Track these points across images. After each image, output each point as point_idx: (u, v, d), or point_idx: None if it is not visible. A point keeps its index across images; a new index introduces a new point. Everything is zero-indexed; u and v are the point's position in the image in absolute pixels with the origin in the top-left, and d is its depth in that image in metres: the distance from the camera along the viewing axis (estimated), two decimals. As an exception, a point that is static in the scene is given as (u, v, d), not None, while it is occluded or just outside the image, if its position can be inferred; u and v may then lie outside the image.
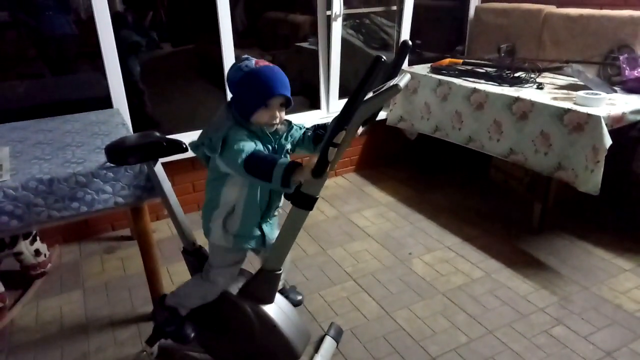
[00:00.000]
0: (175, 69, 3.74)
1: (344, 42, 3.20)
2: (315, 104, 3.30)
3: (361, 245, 2.51)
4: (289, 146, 1.40)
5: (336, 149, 1.11)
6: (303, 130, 1.45)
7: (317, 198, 1.33)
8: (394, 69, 1.21)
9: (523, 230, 2.56)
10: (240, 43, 3.96)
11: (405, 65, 3.33)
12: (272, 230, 1.49)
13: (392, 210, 2.87)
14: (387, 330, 1.90)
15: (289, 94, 1.29)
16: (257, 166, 1.21)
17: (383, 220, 2.75)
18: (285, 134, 1.37)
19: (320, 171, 1.13)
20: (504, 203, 2.88)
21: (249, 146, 1.24)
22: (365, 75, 1.03)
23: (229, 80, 1.31)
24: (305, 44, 3.79)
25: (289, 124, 1.39)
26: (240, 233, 1.42)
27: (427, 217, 2.76)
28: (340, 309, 2.03)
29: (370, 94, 1.13)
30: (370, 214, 2.82)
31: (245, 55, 1.32)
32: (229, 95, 1.36)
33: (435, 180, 3.24)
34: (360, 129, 1.35)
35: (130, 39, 2.90)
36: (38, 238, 2.26)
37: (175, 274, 2.28)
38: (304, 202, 1.32)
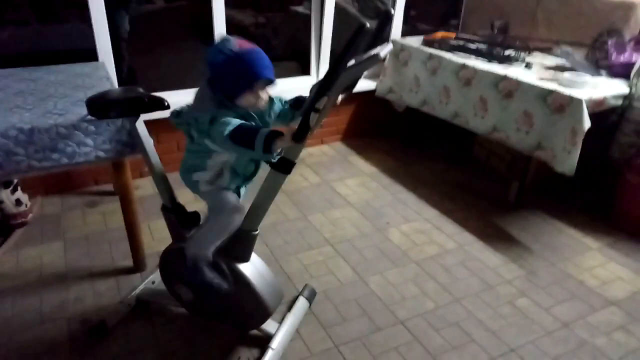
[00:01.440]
0: (167, 26, 3.67)
1: (339, 9, 3.15)
2: (306, 70, 3.28)
3: (341, 212, 2.56)
4: (271, 121, 1.44)
5: (317, 114, 1.12)
6: (282, 102, 1.48)
7: (294, 163, 1.35)
8: (376, 39, 1.22)
9: (500, 207, 2.63)
10: (234, 3, 3.89)
11: (398, 37, 3.31)
12: (246, 193, 1.55)
13: (374, 180, 2.91)
14: (359, 294, 1.97)
15: (273, 77, 1.29)
16: (242, 136, 1.23)
17: (365, 190, 2.79)
18: (267, 110, 1.41)
19: (301, 136, 1.15)
20: (484, 179, 2.93)
21: (235, 121, 1.26)
22: (349, 42, 1.04)
23: (211, 62, 1.28)
24: (300, 8, 3.73)
25: (270, 99, 1.42)
26: (226, 187, 1.47)
27: (408, 188, 2.81)
28: (315, 272, 2.09)
29: (352, 62, 1.14)
30: (353, 183, 2.86)
31: (226, 36, 1.30)
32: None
33: (420, 153, 3.27)
34: (340, 97, 1.37)
35: None
36: (19, 188, 2.27)
37: (155, 231, 2.31)
38: (283, 166, 1.35)
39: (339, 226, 2.43)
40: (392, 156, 3.22)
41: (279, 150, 1.24)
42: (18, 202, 2.25)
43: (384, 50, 1.12)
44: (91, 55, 2.47)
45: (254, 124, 1.36)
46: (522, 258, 2.22)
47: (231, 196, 1.49)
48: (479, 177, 2.97)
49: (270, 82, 1.31)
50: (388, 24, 1.25)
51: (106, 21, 2.41)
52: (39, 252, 2.17)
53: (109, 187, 2.70)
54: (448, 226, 2.46)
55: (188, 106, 1.38)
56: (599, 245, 2.32)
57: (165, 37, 3.59)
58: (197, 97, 1.33)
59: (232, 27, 3.45)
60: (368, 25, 1.02)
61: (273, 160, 1.31)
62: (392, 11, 1.26)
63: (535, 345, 1.73)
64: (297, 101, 1.46)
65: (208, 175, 1.44)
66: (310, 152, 3.25)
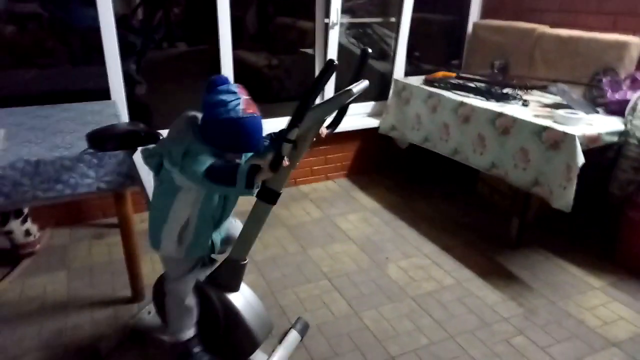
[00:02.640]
0: (189, 67, 3.87)
1: (344, 49, 3.28)
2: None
3: (341, 247, 2.57)
4: (242, 161, 1.45)
5: (290, 144, 1.17)
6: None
7: (280, 193, 1.40)
8: (356, 75, 1.28)
9: (501, 244, 2.61)
10: (250, 46, 4.08)
11: (400, 76, 3.41)
12: (219, 237, 1.55)
13: (376, 215, 2.93)
14: (352, 328, 1.96)
15: (260, 147, 1.37)
16: (219, 174, 1.24)
17: (366, 225, 2.81)
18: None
19: (276, 164, 1.18)
20: (486, 216, 2.92)
21: (210, 159, 1.27)
22: (318, 76, 1.10)
23: (210, 105, 1.26)
24: (309, 50, 3.89)
25: None
26: (193, 243, 1.46)
27: (409, 224, 2.82)
28: (310, 305, 2.09)
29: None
30: (355, 218, 2.89)
31: (229, 83, 1.28)
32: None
33: (423, 189, 3.29)
34: (326, 131, 1.44)
35: (126, 40, 3.02)
36: (29, 219, 2.36)
37: (157, 262, 2.35)
38: (268, 196, 1.40)
39: (337, 260, 2.45)
40: (394, 192, 3.25)
41: (259, 183, 1.28)
42: (27, 233, 2.34)
43: (357, 86, 1.18)
44: (105, 94, 2.61)
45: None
46: (522, 296, 2.18)
47: (185, 280, 1.52)
48: (481, 214, 2.96)
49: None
50: (367, 61, 1.32)
51: (119, 63, 2.57)
52: (44, 282, 2.23)
53: (116, 220, 2.78)
54: (447, 262, 2.44)
55: (161, 140, 1.41)
56: (601, 284, 2.27)
57: (187, 77, 3.78)
58: (175, 128, 1.34)
59: (247, 68, 3.61)
60: (336, 62, 1.07)
61: (252, 194, 1.34)
62: (369, 50, 1.32)
63: (529, 385, 1.69)
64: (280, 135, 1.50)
65: (174, 230, 1.42)
66: (315, 188, 3.30)
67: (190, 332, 1.63)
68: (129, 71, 2.91)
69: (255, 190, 1.27)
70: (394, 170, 3.54)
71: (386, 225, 2.81)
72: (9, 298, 2.11)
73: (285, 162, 1.19)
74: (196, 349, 1.64)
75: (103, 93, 2.61)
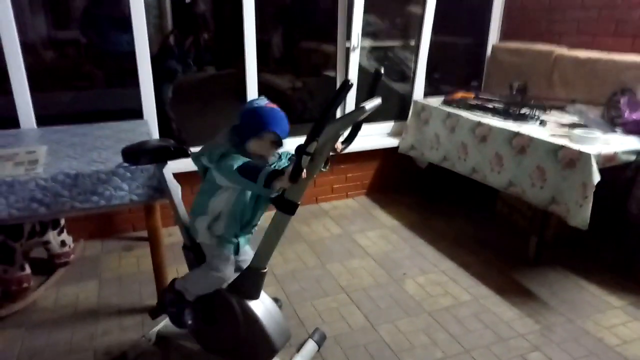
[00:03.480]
0: (216, 90, 4.06)
1: (365, 72, 3.39)
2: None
3: (359, 262, 2.63)
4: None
5: (309, 157, 1.27)
6: (289, 159, 1.64)
7: (297, 204, 1.49)
8: (370, 94, 1.37)
9: (519, 262, 2.62)
10: (275, 69, 4.24)
11: (420, 97, 3.49)
12: (245, 243, 1.69)
13: (395, 233, 2.98)
14: (368, 340, 2.00)
15: (280, 133, 1.49)
16: (248, 171, 1.41)
17: (384, 242, 2.86)
18: (274, 164, 1.58)
19: (295, 175, 1.29)
20: (505, 235, 2.94)
21: (242, 160, 1.45)
22: (335, 94, 1.20)
23: (241, 111, 1.54)
24: (331, 73, 4.03)
25: (279, 155, 1.61)
26: (222, 236, 1.61)
27: (427, 242, 2.86)
28: (328, 317, 2.15)
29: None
30: (373, 235, 2.95)
31: (262, 97, 1.57)
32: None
33: (442, 208, 3.33)
34: (342, 146, 1.53)
35: (168, 67, 3.23)
36: (65, 231, 2.51)
37: (183, 272, 2.46)
38: (287, 207, 1.49)
39: (356, 275, 2.50)
40: (414, 210, 3.29)
41: (278, 189, 1.38)
42: (63, 244, 2.48)
43: (370, 104, 1.27)
44: (138, 114, 2.78)
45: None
46: (539, 313, 2.18)
47: (226, 263, 1.64)
48: (500, 232, 2.98)
49: (278, 138, 1.49)
50: (379, 80, 1.42)
51: (152, 85, 2.74)
52: (76, 290, 2.36)
53: (145, 233, 2.92)
54: (465, 279, 2.47)
55: (205, 145, 1.58)
56: (621, 304, 2.25)
57: (214, 99, 3.97)
58: (216, 138, 1.54)
59: (271, 90, 3.76)
60: (352, 82, 1.17)
61: (272, 196, 1.46)
62: (382, 70, 1.42)
63: (544, 400, 1.69)
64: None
65: (207, 220, 1.59)
66: (335, 205, 3.38)
67: (191, 298, 1.73)
68: (164, 95, 3.11)
69: (274, 193, 1.39)
70: (413, 189, 3.59)
71: (404, 243, 2.86)
72: (44, 305, 2.24)
73: (304, 174, 1.28)
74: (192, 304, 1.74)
75: (136, 113, 2.78)
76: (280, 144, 1.53)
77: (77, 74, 3.11)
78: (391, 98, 3.78)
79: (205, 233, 1.60)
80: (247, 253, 1.76)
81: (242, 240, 1.65)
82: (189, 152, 1.68)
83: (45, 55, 2.93)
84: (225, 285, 1.69)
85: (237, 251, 1.65)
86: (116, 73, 3.21)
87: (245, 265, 1.67)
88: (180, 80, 3.53)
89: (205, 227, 1.59)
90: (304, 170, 1.30)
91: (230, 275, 1.67)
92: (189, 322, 1.74)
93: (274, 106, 1.52)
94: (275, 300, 1.86)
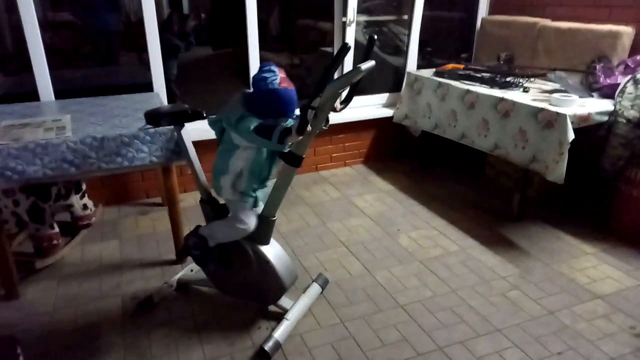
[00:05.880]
0: (214, 68, 4.23)
1: (362, 46, 3.56)
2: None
3: (357, 221, 2.86)
4: None
5: (313, 111, 1.47)
6: (295, 117, 1.83)
7: (302, 157, 1.70)
8: (364, 57, 1.57)
9: (503, 218, 2.85)
10: (273, 48, 4.40)
11: (413, 69, 3.67)
12: (262, 197, 1.87)
13: (390, 196, 3.21)
14: (366, 284, 2.25)
15: (294, 115, 1.69)
16: (263, 130, 1.61)
17: (380, 204, 3.09)
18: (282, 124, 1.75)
19: (302, 128, 1.50)
20: (492, 196, 3.17)
21: (257, 121, 1.65)
22: (335, 56, 1.40)
23: (255, 81, 1.67)
24: (328, 49, 4.19)
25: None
26: (244, 191, 1.81)
27: (420, 203, 3.09)
28: (330, 266, 2.39)
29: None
30: (370, 198, 3.17)
31: (271, 64, 1.67)
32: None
33: (434, 173, 3.55)
34: (341, 106, 1.73)
35: (171, 42, 3.41)
36: (86, 195, 2.73)
37: (195, 233, 2.69)
38: (292, 159, 1.70)
39: (354, 232, 2.73)
40: (408, 176, 3.52)
41: (289, 143, 1.59)
42: (85, 207, 2.70)
43: (365, 65, 1.47)
44: (148, 88, 2.97)
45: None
46: (519, 260, 2.43)
47: (250, 215, 1.81)
48: (488, 193, 3.21)
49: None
50: (373, 45, 1.61)
51: (161, 60, 2.92)
52: (100, 248, 2.59)
53: (158, 199, 3.14)
54: (453, 233, 2.70)
55: (221, 110, 1.78)
56: (594, 250, 2.50)
57: (213, 77, 4.14)
58: (231, 103, 1.73)
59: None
60: (349, 45, 1.37)
61: (284, 151, 1.66)
62: (375, 36, 1.61)
63: (519, 327, 1.94)
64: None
65: (230, 178, 1.78)
66: (334, 173, 3.60)
67: (214, 244, 1.91)
68: (170, 71, 3.29)
69: (286, 148, 1.59)
70: (407, 157, 3.81)
71: (399, 204, 3.09)
72: (72, 260, 2.47)
73: (309, 128, 1.49)
74: (212, 249, 1.93)
75: (146, 87, 2.96)
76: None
77: (87, 53, 3.30)
78: (386, 70, 3.97)
79: (230, 190, 1.80)
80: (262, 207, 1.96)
81: (259, 194, 1.84)
82: (204, 115, 1.88)
83: (58, 34, 3.10)
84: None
85: (255, 204, 1.84)
86: (116, 51, 3.41)
87: None
88: (184, 58, 3.70)
89: (229, 184, 1.78)
90: (309, 124, 1.51)
91: (253, 225, 1.83)
92: (210, 264, 1.96)
93: (288, 84, 1.66)
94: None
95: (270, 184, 1.87)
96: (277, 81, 1.64)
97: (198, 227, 1.98)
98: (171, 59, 3.47)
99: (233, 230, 1.86)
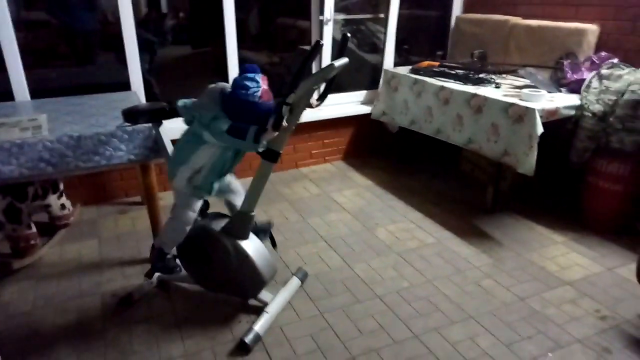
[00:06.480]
0: (194, 67, 4.23)
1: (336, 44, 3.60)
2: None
3: (336, 216, 2.91)
4: None
5: (288, 107, 1.51)
6: None
7: (280, 153, 1.74)
8: (338, 54, 1.61)
9: (478, 211, 2.94)
10: (252, 46, 4.42)
11: (390, 67, 3.74)
12: (218, 185, 1.88)
13: (368, 191, 3.27)
14: (345, 276, 2.30)
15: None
16: (236, 131, 1.61)
17: (359, 199, 3.15)
18: None
19: (277, 124, 1.53)
20: (467, 189, 3.25)
21: (229, 122, 1.63)
22: (309, 53, 1.44)
23: (237, 85, 1.60)
24: (307, 47, 4.23)
25: None
26: (200, 185, 1.83)
27: (398, 197, 3.15)
28: (309, 260, 2.43)
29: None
30: (349, 193, 3.23)
31: (256, 72, 1.60)
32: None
33: (411, 168, 3.63)
34: (316, 102, 1.77)
35: (146, 39, 3.40)
36: (64, 195, 2.71)
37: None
38: (270, 155, 1.74)
39: (333, 226, 2.78)
40: (386, 171, 3.58)
41: (264, 142, 1.62)
42: (63, 207, 2.69)
43: (339, 62, 1.52)
44: (125, 86, 2.96)
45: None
46: (492, 250, 2.51)
47: (196, 202, 1.84)
48: (463, 187, 3.29)
49: None
50: (347, 43, 1.65)
51: (138, 59, 2.92)
52: (78, 248, 2.58)
53: (138, 198, 3.14)
54: (430, 226, 2.77)
55: (193, 102, 1.77)
56: (564, 240, 2.60)
57: (191, 76, 4.14)
58: (205, 99, 1.69)
59: (249, 65, 3.95)
60: (322, 42, 1.41)
61: (259, 150, 1.69)
62: (349, 34, 1.66)
63: (492, 314, 2.02)
64: None
65: (188, 171, 1.77)
66: (314, 169, 3.64)
67: (171, 250, 1.97)
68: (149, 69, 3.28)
69: (260, 147, 1.62)
70: (385, 153, 3.87)
71: (377, 199, 3.15)
72: (50, 261, 2.46)
73: (284, 124, 1.53)
74: (169, 257, 1.99)
75: (123, 85, 2.96)
76: None
77: (63, 52, 3.27)
78: (363, 68, 4.02)
79: (184, 182, 1.80)
80: (232, 183, 1.99)
81: (216, 185, 1.85)
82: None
83: (32, 34, 3.07)
84: (217, 228, 1.93)
85: (210, 192, 1.85)
86: (94, 49, 3.39)
87: (234, 197, 1.94)
88: (162, 56, 3.70)
89: (186, 177, 1.78)
90: (284, 120, 1.54)
91: (191, 220, 1.86)
92: (176, 267, 2.00)
93: (268, 96, 1.61)
94: (268, 224, 2.15)
95: (229, 175, 1.90)
96: (259, 94, 1.59)
97: (153, 243, 2.02)
98: (145, 54, 3.44)
99: (181, 221, 1.87)
